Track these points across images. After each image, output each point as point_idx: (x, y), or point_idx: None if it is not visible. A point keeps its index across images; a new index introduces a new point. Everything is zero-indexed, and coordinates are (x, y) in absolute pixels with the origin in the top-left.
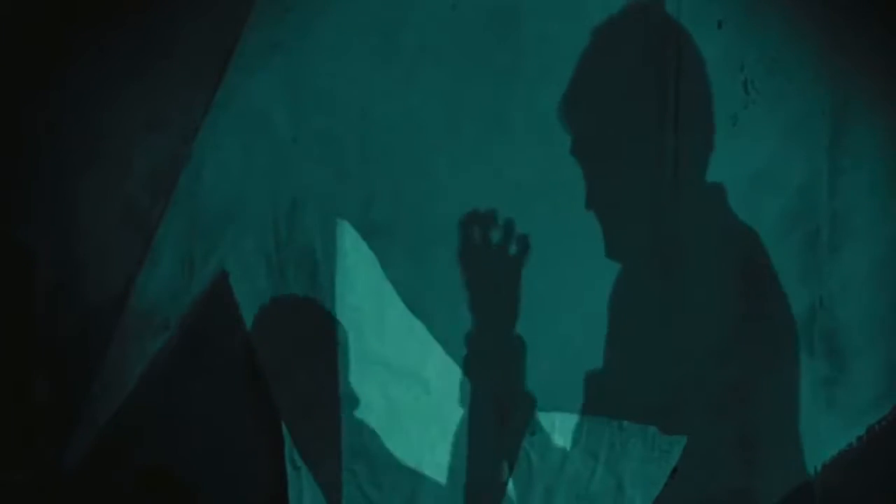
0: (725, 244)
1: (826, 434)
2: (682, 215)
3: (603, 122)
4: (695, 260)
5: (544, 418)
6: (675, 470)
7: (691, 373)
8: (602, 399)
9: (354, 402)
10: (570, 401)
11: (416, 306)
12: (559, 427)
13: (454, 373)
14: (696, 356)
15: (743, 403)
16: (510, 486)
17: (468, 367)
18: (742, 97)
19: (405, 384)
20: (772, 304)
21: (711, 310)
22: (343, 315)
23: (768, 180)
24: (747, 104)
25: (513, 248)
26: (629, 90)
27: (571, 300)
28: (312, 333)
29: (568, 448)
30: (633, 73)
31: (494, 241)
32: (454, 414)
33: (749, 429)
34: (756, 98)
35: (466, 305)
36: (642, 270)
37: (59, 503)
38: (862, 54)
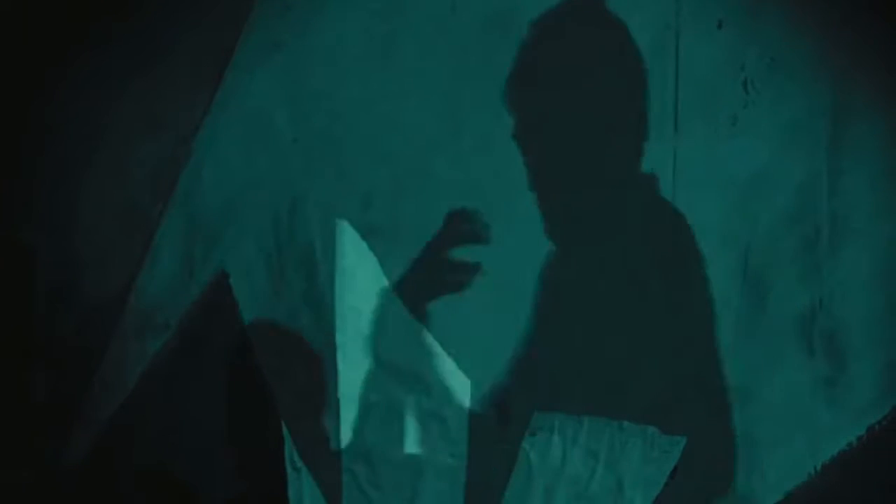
0: (725, 244)
1: (826, 434)
2: (682, 214)
3: (602, 122)
4: (694, 260)
5: (544, 418)
6: (675, 470)
7: (691, 373)
8: (602, 399)
9: (354, 402)
10: (570, 401)
11: (416, 306)
12: (559, 427)
13: (454, 373)
14: (696, 356)
15: (743, 403)
16: (510, 486)
17: (468, 368)
18: (742, 97)
19: (405, 384)
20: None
21: (711, 310)
22: (343, 315)
23: (768, 180)
24: (747, 104)
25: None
26: (629, 91)
27: (571, 300)
28: (312, 333)
29: (568, 448)
30: (633, 73)
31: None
32: (454, 414)
33: (749, 429)
34: (756, 98)
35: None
36: (642, 271)
37: (59, 503)
38: (862, 54)
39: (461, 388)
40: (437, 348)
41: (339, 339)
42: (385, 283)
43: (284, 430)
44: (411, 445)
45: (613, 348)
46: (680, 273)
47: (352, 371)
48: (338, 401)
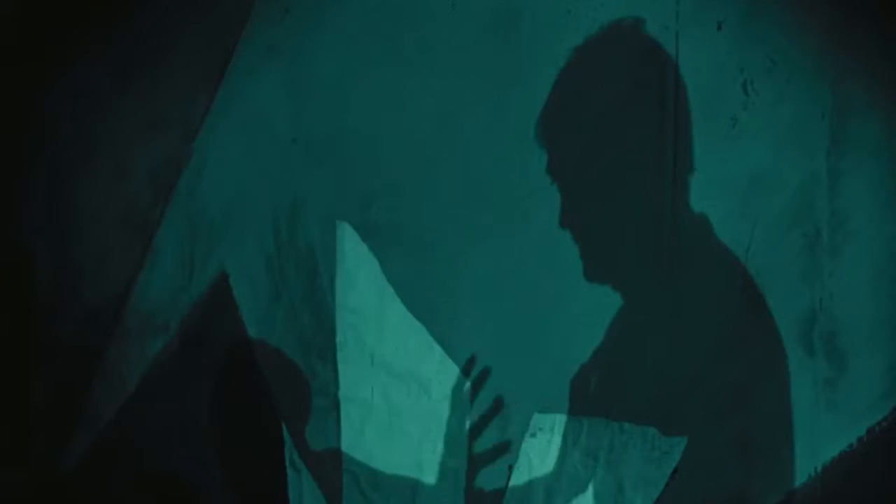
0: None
1: (826, 435)
2: (682, 216)
3: (602, 124)
4: (694, 260)
5: (544, 419)
6: (675, 471)
7: (691, 373)
8: (602, 400)
9: (354, 402)
10: (570, 402)
11: (416, 306)
12: (559, 428)
13: (454, 373)
14: (696, 357)
15: (742, 404)
16: (510, 486)
17: (468, 368)
18: (742, 98)
19: (405, 385)
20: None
21: (711, 310)
22: (343, 316)
23: (768, 181)
24: (747, 105)
25: None
26: (629, 92)
27: (571, 300)
28: (312, 333)
29: (568, 448)
30: (633, 76)
31: None
32: (454, 415)
33: (749, 430)
34: (756, 99)
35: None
36: (642, 271)
37: (59, 503)
38: (862, 54)
39: (461, 387)
40: (437, 348)
41: (339, 339)
42: (385, 283)
43: (284, 430)
44: (411, 446)
45: (613, 349)
46: (680, 274)
47: (352, 371)
48: (338, 401)
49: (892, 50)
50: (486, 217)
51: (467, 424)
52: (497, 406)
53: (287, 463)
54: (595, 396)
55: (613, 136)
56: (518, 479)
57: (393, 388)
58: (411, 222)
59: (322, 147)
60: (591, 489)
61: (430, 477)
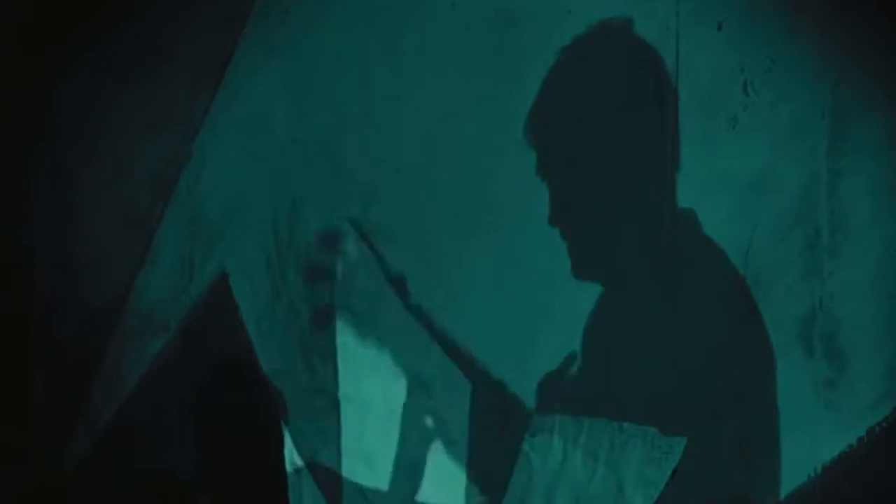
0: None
1: (826, 435)
2: (682, 216)
3: (603, 122)
4: (694, 260)
5: (544, 419)
6: (675, 471)
7: (691, 373)
8: (602, 400)
9: (354, 402)
10: (570, 402)
11: (416, 306)
12: (559, 428)
13: (454, 374)
14: (696, 356)
15: (742, 404)
16: (510, 486)
17: (468, 369)
18: (742, 98)
19: (405, 385)
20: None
21: (711, 310)
22: (343, 316)
23: (768, 181)
24: (747, 105)
25: None
26: (629, 91)
27: (571, 300)
28: (312, 334)
29: (568, 448)
30: (633, 74)
31: None
32: (454, 415)
33: (749, 429)
34: (756, 99)
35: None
36: (642, 271)
37: (59, 503)
38: (862, 54)
39: (461, 388)
40: (437, 348)
41: (339, 339)
42: (385, 283)
43: (284, 430)
44: (411, 446)
45: (613, 349)
46: (679, 273)
47: (352, 371)
48: (338, 401)
49: (891, 50)
50: (485, 217)
51: (467, 424)
52: (497, 406)
53: (287, 462)
54: (596, 396)
55: (608, 136)
56: (518, 479)
57: (393, 388)
58: (411, 222)
59: (322, 147)
60: (591, 489)
61: (429, 477)
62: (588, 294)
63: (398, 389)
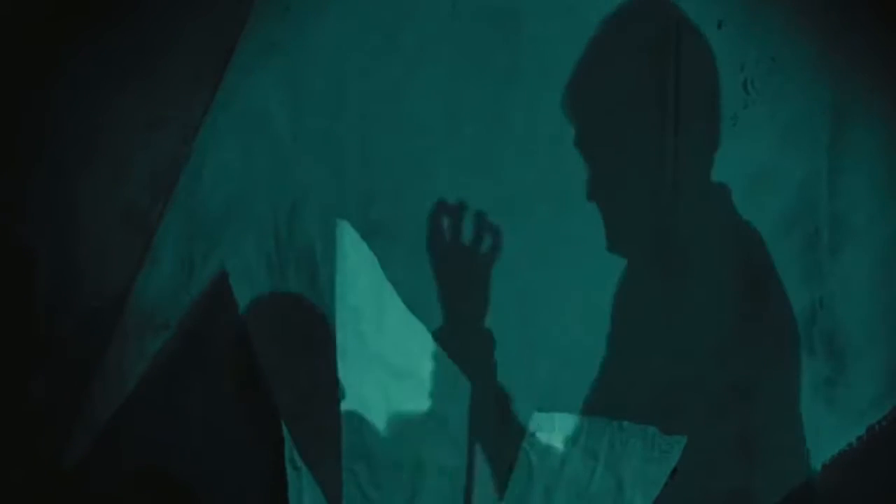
0: (726, 244)
1: (826, 434)
2: (683, 215)
3: (605, 119)
4: (695, 260)
5: (544, 418)
6: (675, 470)
7: (691, 373)
8: (602, 399)
9: (354, 402)
10: (570, 401)
11: (416, 306)
12: (559, 427)
13: (454, 373)
14: (696, 356)
15: (743, 403)
16: (510, 486)
17: (468, 367)
18: (742, 97)
19: (405, 384)
20: (773, 303)
21: (711, 310)
22: (343, 315)
23: (768, 180)
24: (747, 104)
25: (486, 244)
26: (630, 88)
27: (571, 300)
28: (312, 333)
29: (568, 448)
30: (635, 71)
31: (466, 236)
32: (454, 414)
33: (749, 429)
34: (756, 98)
35: (436, 301)
36: (642, 270)
37: (59, 503)
38: (862, 54)
39: (461, 388)
40: (437, 348)
41: (339, 339)
42: (385, 282)
43: (284, 430)
44: (411, 445)
45: (613, 348)
46: (680, 273)
47: (352, 371)
48: (338, 401)
49: (891, 50)
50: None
51: (467, 424)
52: (497, 405)
53: (287, 462)
54: (596, 395)
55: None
56: (518, 478)
57: (393, 387)
58: (411, 222)
59: (322, 146)
60: (591, 489)
61: (430, 477)
62: (589, 292)
63: (398, 389)
